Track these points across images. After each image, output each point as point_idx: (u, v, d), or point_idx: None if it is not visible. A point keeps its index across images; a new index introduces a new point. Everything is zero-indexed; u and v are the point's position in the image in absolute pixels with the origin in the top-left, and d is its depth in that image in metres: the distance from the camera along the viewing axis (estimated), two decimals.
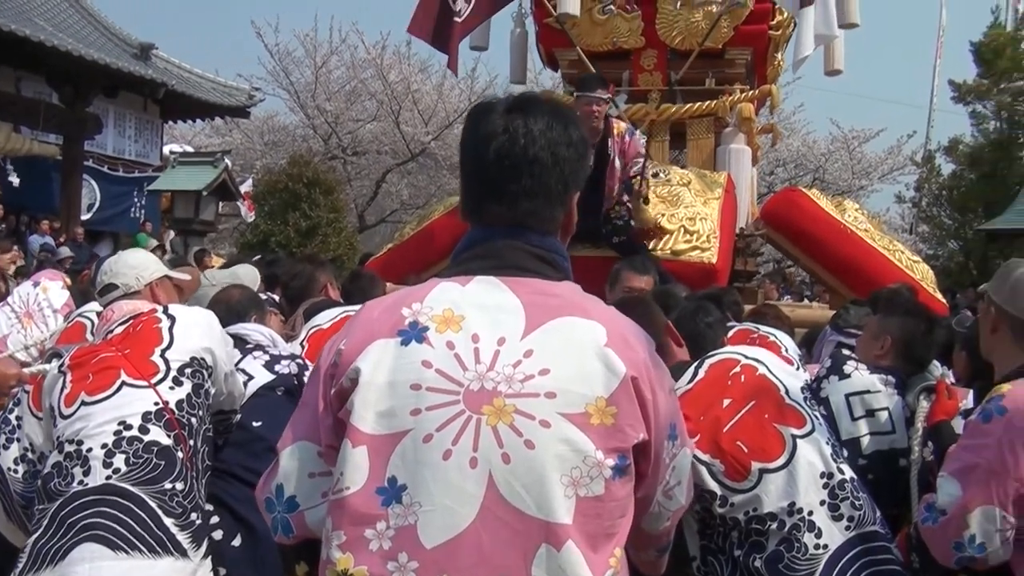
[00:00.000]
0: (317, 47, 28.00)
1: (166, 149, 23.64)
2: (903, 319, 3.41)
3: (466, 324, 1.53)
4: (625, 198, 6.24)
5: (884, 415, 3.14)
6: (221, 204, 21.89)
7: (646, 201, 6.21)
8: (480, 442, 1.46)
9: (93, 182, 21.27)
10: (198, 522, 2.67)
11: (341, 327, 1.73)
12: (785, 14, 7.76)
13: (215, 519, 2.84)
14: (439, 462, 1.46)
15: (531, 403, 1.48)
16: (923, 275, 7.34)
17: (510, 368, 1.50)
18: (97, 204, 21.52)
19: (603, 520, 1.49)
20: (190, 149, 25.13)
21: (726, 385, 2.70)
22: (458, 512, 1.44)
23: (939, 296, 7.42)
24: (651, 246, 6.27)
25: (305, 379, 2.66)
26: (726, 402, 2.66)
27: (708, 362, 2.77)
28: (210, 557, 2.69)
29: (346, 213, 24.09)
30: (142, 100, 22.31)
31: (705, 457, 2.56)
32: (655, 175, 6.86)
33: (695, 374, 2.73)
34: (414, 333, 1.53)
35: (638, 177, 6.21)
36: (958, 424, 2.92)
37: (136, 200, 22.40)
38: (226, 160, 20.94)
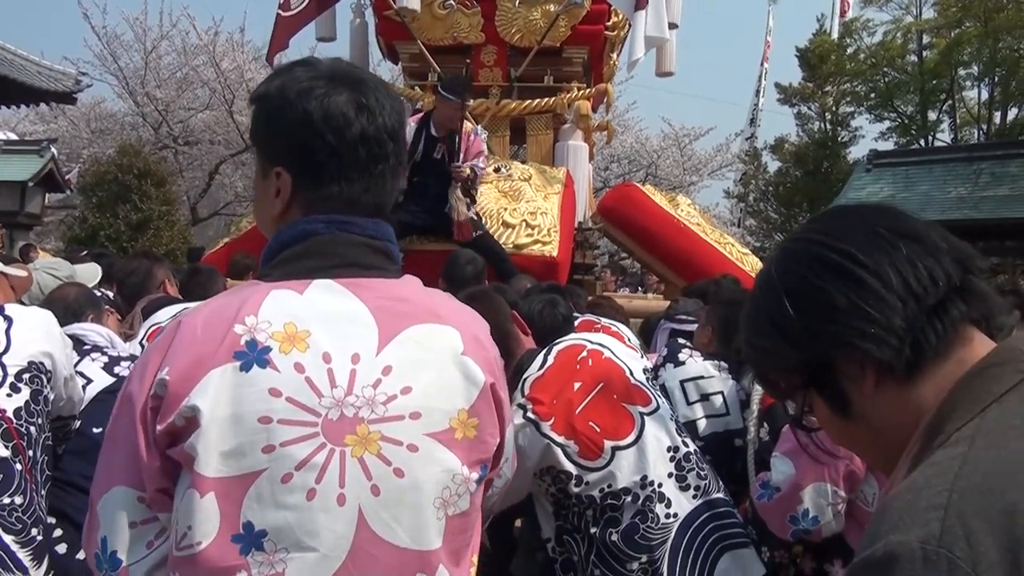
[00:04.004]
0: (147, 31, 26.80)
1: None
2: (725, 307, 3.59)
3: (313, 341, 1.36)
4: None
5: (718, 399, 3.31)
6: (47, 196, 20.77)
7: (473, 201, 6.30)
8: (347, 477, 1.34)
9: None
10: (39, 538, 2.56)
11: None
12: (620, 15, 7.99)
13: (57, 532, 2.74)
14: (303, 503, 1.32)
15: (396, 427, 1.38)
16: (752, 267, 7.71)
17: (370, 389, 1.37)
18: None
19: (467, 533, 1.46)
20: (13, 136, 23.72)
21: (575, 369, 2.82)
22: (328, 556, 1.32)
23: None
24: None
25: None
26: (576, 385, 2.78)
27: (556, 348, 2.88)
28: (52, 573, 2.59)
29: (178, 205, 23.27)
30: None
31: (560, 439, 2.67)
32: (497, 170, 6.96)
33: (545, 360, 2.83)
34: (254, 356, 1.34)
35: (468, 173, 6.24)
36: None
37: None
38: (52, 149, 19.83)
